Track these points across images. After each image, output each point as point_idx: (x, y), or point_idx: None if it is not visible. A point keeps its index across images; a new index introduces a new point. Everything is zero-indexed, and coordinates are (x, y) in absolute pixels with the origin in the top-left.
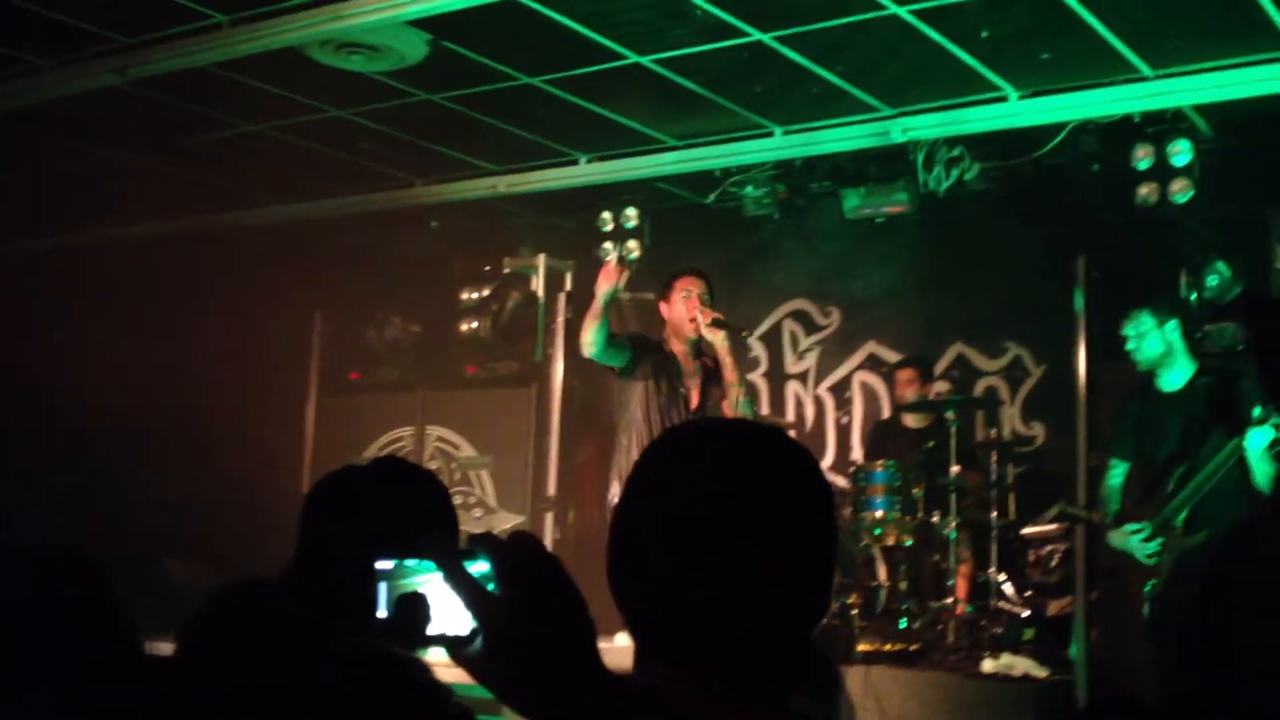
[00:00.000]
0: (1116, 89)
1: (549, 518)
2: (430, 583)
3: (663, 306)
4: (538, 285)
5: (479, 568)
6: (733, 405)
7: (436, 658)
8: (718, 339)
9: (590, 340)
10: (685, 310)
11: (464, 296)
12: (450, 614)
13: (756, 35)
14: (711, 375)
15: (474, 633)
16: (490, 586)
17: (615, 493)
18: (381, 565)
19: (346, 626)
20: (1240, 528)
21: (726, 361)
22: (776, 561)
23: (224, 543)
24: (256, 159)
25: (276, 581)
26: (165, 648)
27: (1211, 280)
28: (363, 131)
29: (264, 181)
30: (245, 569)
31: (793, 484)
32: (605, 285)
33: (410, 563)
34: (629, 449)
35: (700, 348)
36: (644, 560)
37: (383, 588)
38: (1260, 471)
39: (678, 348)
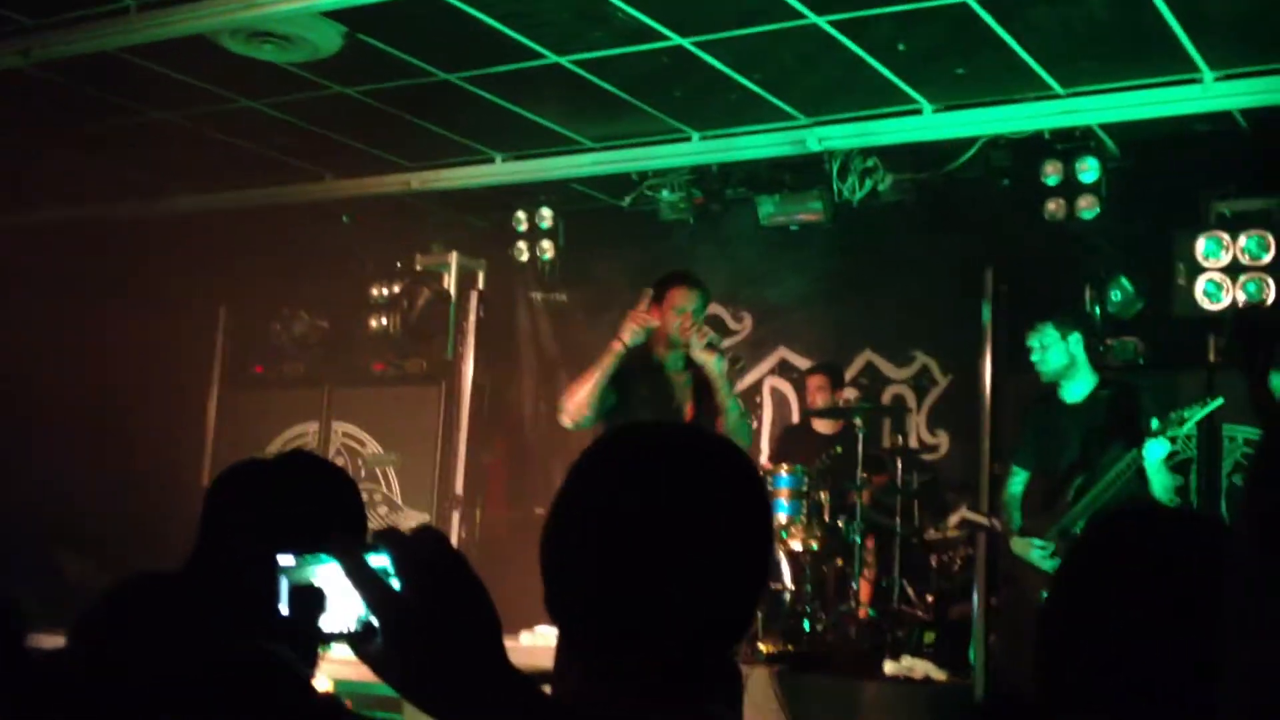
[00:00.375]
0: (1028, 105)
1: (455, 516)
2: (334, 578)
3: (654, 312)
4: (449, 283)
5: (382, 562)
6: (727, 427)
7: (341, 655)
8: (709, 362)
9: (585, 403)
10: (679, 328)
11: (374, 293)
12: (355, 609)
13: (676, 40)
14: (704, 385)
15: (375, 629)
16: (393, 582)
17: None
18: (283, 560)
19: (248, 622)
20: (1099, 524)
21: (717, 384)
22: (707, 568)
23: (121, 536)
24: (164, 148)
25: (175, 575)
26: (55, 641)
27: (1115, 296)
28: (274, 123)
29: (171, 171)
30: (141, 563)
31: (730, 493)
32: (632, 329)
33: (313, 557)
34: None
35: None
36: (574, 558)
37: (284, 582)
38: (1157, 482)
39: (664, 353)
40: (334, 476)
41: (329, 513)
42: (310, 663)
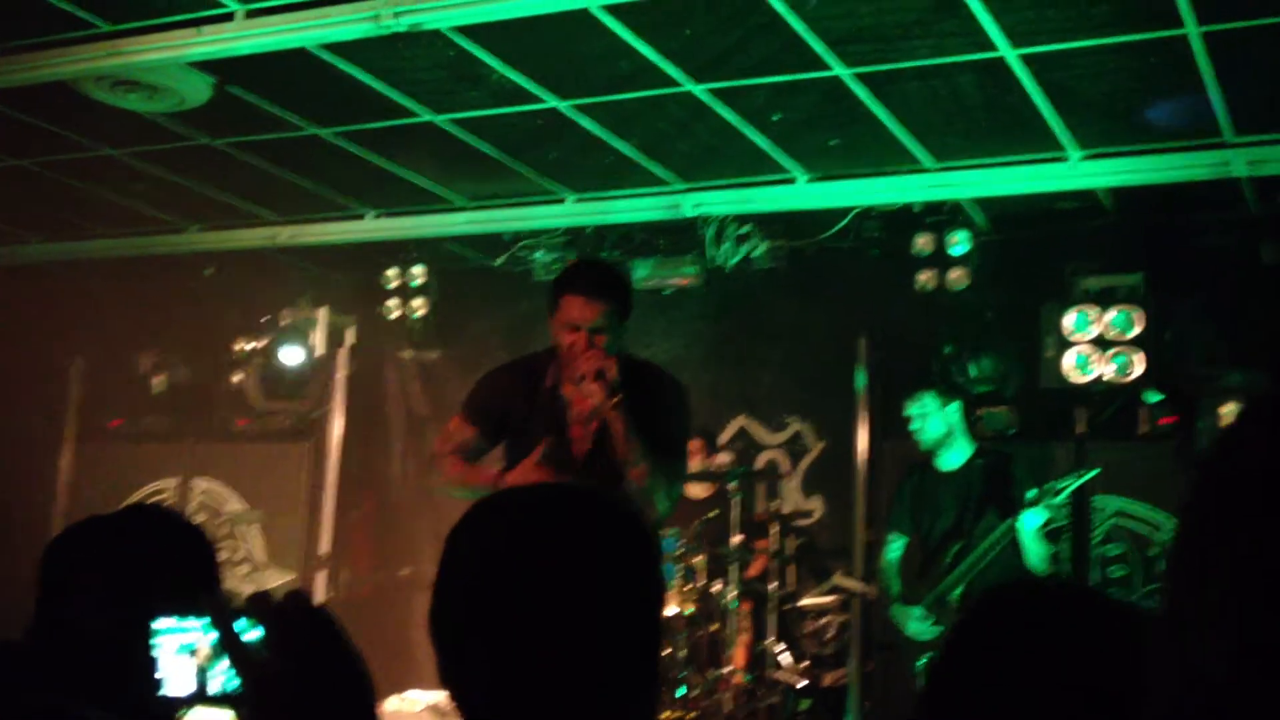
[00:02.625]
0: (899, 179)
1: (321, 576)
2: (204, 640)
3: (551, 324)
4: (317, 339)
5: (253, 631)
6: (641, 486)
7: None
8: (594, 400)
9: (450, 492)
10: (565, 351)
11: (238, 347)
12: (228, 672)
13: (552, 102)
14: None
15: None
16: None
17: None
18: (160, 622)
19: (100, 689)
20: (985, 598)
21: (617, 432)
22: (586, 634)
23: None
24: (20, 194)
25: (15, 644)
26: None
27: (983, 367)
28: (137, 172)
29: (26, 218)
30: None
31: (606, 554)
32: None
33: (189, 619)
34: None
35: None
36: (457, 634)
37: (159, 645)
38: (1033, 551)
39: (569, 383)
40: (180, 529)
41: (177, 568)
42: None
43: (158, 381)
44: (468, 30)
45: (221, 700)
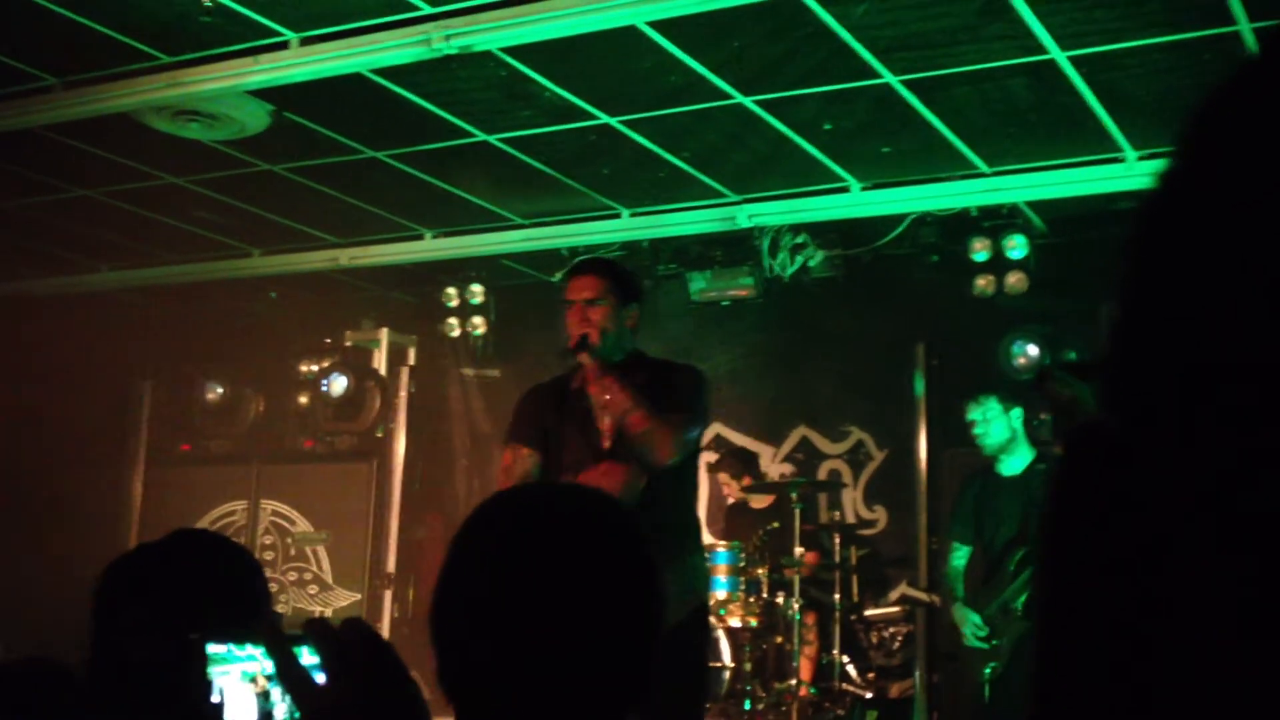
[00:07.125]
0: (954, 184)
1: (388, 595)
2: (260, 666)
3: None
4: (380, 359)
5: (311, 657)
6: (642, 439)
7: None
8: (585, 364)
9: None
10: (568, 330)
11: (303, 369)
12: (284, 700)
13: (604, 118)
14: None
15: None
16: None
17: None
18: (217, 649)
19: (170, 714)
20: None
21: (607, 387)
22: (584, 637)
23: (42, 625)
24: (87, 224)
25: (67, 667)
26: None
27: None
28: (200, 200)
29: (94, 247)
30: (62, 650)
31: (604, 556)
32: None
33: (244, 646)
34: None
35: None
36: (457, 636)
37: (223, 673)
38: None
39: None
40: (227, 553)
41: (227, 592)
42: None
43: (225, 405)
44: (517, 50)
45: None
